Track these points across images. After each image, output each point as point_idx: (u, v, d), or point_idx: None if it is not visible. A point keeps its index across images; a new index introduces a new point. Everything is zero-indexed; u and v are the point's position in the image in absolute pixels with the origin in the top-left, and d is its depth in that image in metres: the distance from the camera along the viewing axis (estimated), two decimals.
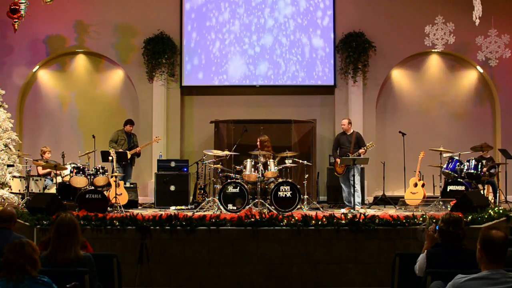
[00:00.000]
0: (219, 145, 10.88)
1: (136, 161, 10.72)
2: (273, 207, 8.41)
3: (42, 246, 4.81)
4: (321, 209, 8.92)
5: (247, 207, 8.33)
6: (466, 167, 9.05)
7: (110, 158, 9.29)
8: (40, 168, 9.84)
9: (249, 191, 8.61)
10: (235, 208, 8.46)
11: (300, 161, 9.14)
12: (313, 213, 7.62)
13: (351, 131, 9.67)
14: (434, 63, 11.94)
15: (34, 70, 11.94)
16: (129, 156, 10.09)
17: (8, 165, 9.45)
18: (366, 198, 10.62)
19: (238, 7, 11.75)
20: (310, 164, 9.53)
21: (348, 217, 7.17)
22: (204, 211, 8.56)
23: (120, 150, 9.95)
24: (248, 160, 8.90)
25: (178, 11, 11.75)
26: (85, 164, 9.09)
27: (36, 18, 11.07)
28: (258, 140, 9.49)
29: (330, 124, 11.73)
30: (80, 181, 8.77)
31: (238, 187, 8.57)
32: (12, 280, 3.35)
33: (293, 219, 7.13)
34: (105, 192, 8.68)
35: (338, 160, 9.45)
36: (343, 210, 8.79)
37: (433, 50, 11.38)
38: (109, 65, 12.04)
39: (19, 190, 9.32)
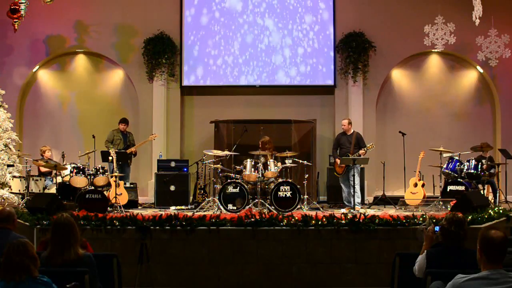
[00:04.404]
0: (219, 145, 10.87)
1: (136, 161, 10.71)
2: (273, 207, 8.42)
3: (42, 246, 4.82)
4: (321, 209, 8.93)
5: (247, 207, 8.33)
6: (466, 167, 9.05)
7: (110, 158, 9.28)
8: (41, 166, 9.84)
9: (249, 191, 8.61)
10: (235, 208, 8.46)
11: (300, 161, 9.14)
12: (313, 213, 7.62)
13: (351, 131, 9.67)
14: (434, 63, 11.94)
15: (34, 70, 11.93)
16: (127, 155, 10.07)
17: (8, 165, 9.45)
18: (366, 198, 10.62)
19: (239, 6, 11.75)
20: (310, 164, 9.53)
21: (348, 217, 7.17)
22: (204, 211, 8.56)
23: (116, 150, 9.92)
24: (248, 160, 8.90)
25: (178, 11, 11.75)
26: (85, 164, 9.10)
27: (36, 18, 11.08)
28: (260, 141, 9.50)
29: (330, 124, 11.73)
30: (80, 181, 8.78)
31: (238, 187, 8.57)
32: (14, 280, 3.34)
33: (293, 219, 7.12)
34: (105, 192, 8.69)
35: (338, 160, 9.46)
36: (343, 210, 8.79)
37: (433, 50, 11.38)
38: (109, 65, 12.04)
39: (19, 190, 9.33)
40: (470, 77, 11.92)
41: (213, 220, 7.12)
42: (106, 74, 12.09)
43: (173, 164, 10.23)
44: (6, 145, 9.62)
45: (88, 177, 8.84)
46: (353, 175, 9.07)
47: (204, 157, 9.95)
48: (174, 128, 11.72)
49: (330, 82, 11.66)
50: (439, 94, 11.88)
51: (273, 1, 11.75)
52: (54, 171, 9.13)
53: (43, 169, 9.87)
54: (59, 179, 9.22)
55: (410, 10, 11.50)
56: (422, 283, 4.19)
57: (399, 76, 11.97)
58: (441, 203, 8.53)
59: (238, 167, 9.07)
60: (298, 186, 8.63)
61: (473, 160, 9.11)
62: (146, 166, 11.50)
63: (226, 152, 9.32)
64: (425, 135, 11.55)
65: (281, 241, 6.98)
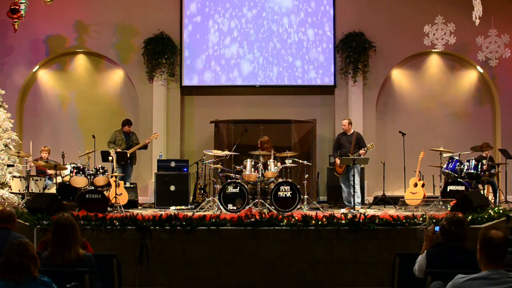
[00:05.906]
0: (219, 145, 10.88)
1: (136, 161, 10.70)
2: (273, 207, 8.41)
3: (42, 246, 4.82)
4: (321, 209, 8.92)
5: (247, 207, 8.33)
6: (466, 167, 9.05)
7: (110, 158, 9.28)
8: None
9: (249, 191, 8.61)
10: (235, 208, 8.46)
11: (300, 161, 9.13)
12: (313, 213, 7.62)
13: (352, 131, 9.67)
14: (434, 63, 11.94)
15: (34, 70, 11.93)
16: (128, 155, 10.05)
17: (8, 165, 9.46)
18: (366, 198, 10.62)
19: (238, 7, 11.75)
20: (310, 164, 9.53)
21: (348, 217, 7.17)
22: (204, 211, 8.56)
23: (118, 150, 9.91)
24: (248, 160, 8.90)
25: (178, 11, 11.75)
26: (85, 164, 9.09)
27: (36, 18, 11.09)
28: (259, 141, 9.50)
29: (330, 124, 11.73)
30: (80, 181, 8.78)
31: (238, 187, 8.57)
32: (14, 280, 3.34)
33: (293, 219, 7.12)
34: (105, 192, 8.69)
35: (338, 160, 9.46)
36: (343, 210, 8.80)
37: (433, 50, 11.38)
38: (109, 65, 12.04)
39: (19, 190, 9.33)
40: (470, 77, 11.92)
41: (213, 220, 7.11)
42: (106, 74, 12.09)
43: (173, 164, 10.23)
44: (6, 145, 9.62)
45: (88, 177, 8.84)
46: (353, 175, 9.07)
47: (204, 157, 9.94)
48: (174, 128, 11.72)
49: (330, 82, 11.66)
50: (439, 94, 11.88)
51: (273, 1, 11.75)
52: (53, 171, 9.14)
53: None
54: (59, 179, 9.22)
55: (410, 10, 11.50)
56: (422, 283, 4.19)
57: (399, 76, 11.97)
58: (441, 203, 8.52)
59: (238, 167, 9.06)
60: (298, 186, 8.63)
61: (473, 160, 9.11)
62: (146, 166, 11.50)
63: (226, 152, 9.32)
64: (425, 135, 11.54)
65: (281, 241, 6.98)
